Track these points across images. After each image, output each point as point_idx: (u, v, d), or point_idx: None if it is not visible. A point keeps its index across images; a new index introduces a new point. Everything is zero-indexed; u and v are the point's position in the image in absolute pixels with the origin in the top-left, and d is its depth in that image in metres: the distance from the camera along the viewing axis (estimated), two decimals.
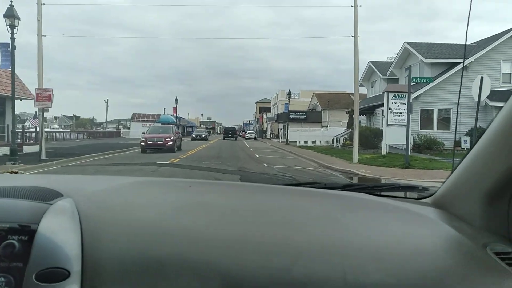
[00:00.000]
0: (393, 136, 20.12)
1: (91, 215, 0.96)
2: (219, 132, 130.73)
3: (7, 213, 0.88)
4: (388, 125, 20.07)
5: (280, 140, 51.41)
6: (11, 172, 1.65)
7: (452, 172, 1.16)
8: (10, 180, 1.34)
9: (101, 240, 0.87)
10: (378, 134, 23.73)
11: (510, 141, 0.91)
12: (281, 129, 57.20)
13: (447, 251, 0.92)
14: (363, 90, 39.21)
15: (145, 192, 1.32)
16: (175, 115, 59.51)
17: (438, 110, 24.42)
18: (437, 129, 24.11)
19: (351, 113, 32.72)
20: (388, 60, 37.08)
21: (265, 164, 16.79)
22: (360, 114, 32.62)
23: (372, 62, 33.05)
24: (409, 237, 0.98)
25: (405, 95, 20.09)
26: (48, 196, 1.01)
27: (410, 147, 20.51)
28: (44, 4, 16.83)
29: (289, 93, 42.62)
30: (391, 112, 20.01)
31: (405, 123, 20.13)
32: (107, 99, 61.12)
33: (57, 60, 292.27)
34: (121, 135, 61.77)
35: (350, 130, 30.23)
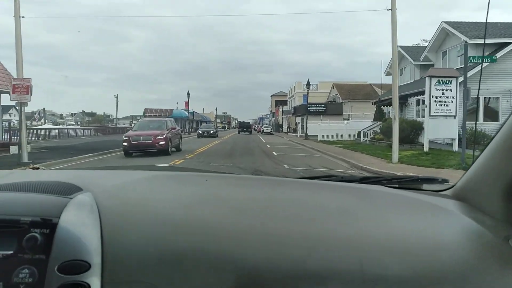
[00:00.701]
0: (437, 129, 16.95)
1: (110, 208, 0.96)
2: (234, 126, 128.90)
3: (30, 207, 0.90)
4: (430, 116, 16.90)
5: (298, 134, 48.33)
6: (33, 168, 1.69)
7: (472, 163, 1.13)
8: (32, 175, 1.36)
9: (120, 233, 0.88)
10: (417, 127, 20.50)
11: None
12: (299, 122, 54.02)
13: (467, 243, 0.91)
14: (390, 79, 35.85)
15: (163, 186, 1.31)
16: (187, 109, 56.84)
17: (485, 98, 21.06)
18: (484, 120, 20.74)
19: (379, 104, 29.49)
20: (420, 44, 33.51)
21: (285, 166, 13.89)
22: (388, 105, 29.36)
23: (401, 46, 29.56)
24: (429, 230, 0.96)
25: (451, 80, 16.91)
26: (68, 190, 1.02)
27: (456, 142, 17.44)
28: None
29: (308, 84, 39.32)
30: (434, 101, 16.84)
31: (451, 114, 16.98)
32: (117, 94, 58.70)
33: (74, 58, 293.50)
34: None
35: (379, 122, 27.02)
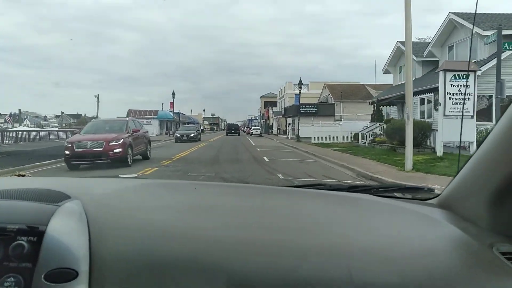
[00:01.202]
0: (453, 131, 14.69)
1: (98, 216, 0.95)
2: (223, 128, 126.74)
3: (16, 214, 0.89)
4: (445, 116, 14.68)
5: (289, 136, 46.07)
6: (19, 175, 1.67)
7: (458, 173, 1.14)
8: (18, 183, 1.34)
9: (109, 241, 0.87)
10: (425, 128, 18.27)
11: None
12: (289, 124, 51.73)
13: (452, 251, 0.92)
14: (388, 78, 33.82)
15: (152, 194, 1.31)
16: (172, 110, 53.95)
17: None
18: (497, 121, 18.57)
19: (377, 104, 27.28)
20: (421, 40, 31.40)
21: (279, 176, 11.48)
22: (388, 105, 27.21)
23: (401, 42, 27.44)
24: (415, 238, 0.98)
25: (468, 74, 14.72)
26: (56, 198, 1.01)
27: (475, 145, 15.23)
28: None
29: (300, 83, 36.91)
30: (449, 99, 14.62)
31: (469, 113, 14.80)
32: (98, 95, 54.37)
33: (63, 60, 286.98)
34: None
35: (378, 124, 24.79)
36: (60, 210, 0.92)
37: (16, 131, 32.64)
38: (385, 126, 22.36)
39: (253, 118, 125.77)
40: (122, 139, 13.51)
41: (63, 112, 60.04)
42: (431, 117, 21.05)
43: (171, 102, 52.34)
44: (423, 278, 0.78)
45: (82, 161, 13.21)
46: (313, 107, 48.92)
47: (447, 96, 14.57)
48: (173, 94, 49.36)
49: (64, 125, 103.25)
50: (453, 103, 14.66)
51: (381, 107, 27.22)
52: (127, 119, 16.00)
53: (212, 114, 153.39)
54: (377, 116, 27.08)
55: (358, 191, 1.45)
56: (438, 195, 1.27)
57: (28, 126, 59.41)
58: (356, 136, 27.21)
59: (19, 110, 52.51)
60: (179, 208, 1.12)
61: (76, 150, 12.96)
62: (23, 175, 1.66)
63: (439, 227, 1.04)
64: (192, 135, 33.98)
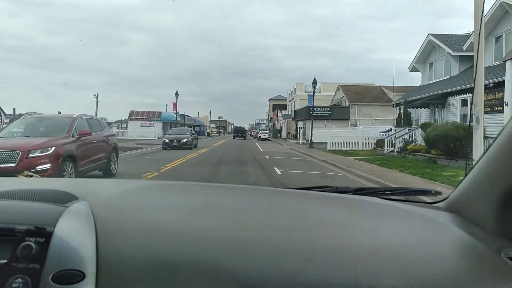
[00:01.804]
0: None
1: (105, 217, 0.96)
2: (230, 132, 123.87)
3: (24, 215, 0.89)
4: None
5: (300, 141, 42.59)
6: (26, 176, 1.66)
7: (465, 176, 1.13)
8: (26, 183, 1.35)
9: (116, 243, 0.87)
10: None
11: None
12: (300, 127, 48.27)
13: (460, 255, 0.92)
14: (414, 79, 30.24)
15: (159, 195, 1.31)
16: (175, 111, 50.65)
17: None
18: None
19: (405, 105, 23.68)
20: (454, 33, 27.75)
21: None
22: (421, 107, 23.64)
23: (433, 35, 23.91)
24: (421, 242, 0.97)
25: None
26: (64, 199, 1.02)
27: None
28: None
29: (314, 82, 33.26)
30: None
31: None
32: (97, 94, 50.50)
33: (73, 61, 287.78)
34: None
35: (408, 129, 21.24)
36: (68, 211, 0.92)
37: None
38: (419, 131, 18.84)
39: (260, 121, 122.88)
40: (54, 148, 8.26)
41: (60, 113, 56.66)
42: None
43: (174, 103, 49.07)
44: (429, 282, 0.77)
45: None
46: (326, 110, 45.52)
47: None
48: (176, 94, 46.04)
49: None
50: None
51: (408, 109, 23.66)
52: (74, 116, 10.18)
53: (220, 117, 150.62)
54: (404, 120, 23.53)
55: (364, 193, 1.43)
56: (446, 198, 1.25)
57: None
58: (379, 143, 23.65)
59: (14, 109, 49.29)
60: (186, 209, 1.12)
61: None
62: (31, 176, 1.68)
63: (446, 231, 1.04)
64: (184, 140, 25.77)
